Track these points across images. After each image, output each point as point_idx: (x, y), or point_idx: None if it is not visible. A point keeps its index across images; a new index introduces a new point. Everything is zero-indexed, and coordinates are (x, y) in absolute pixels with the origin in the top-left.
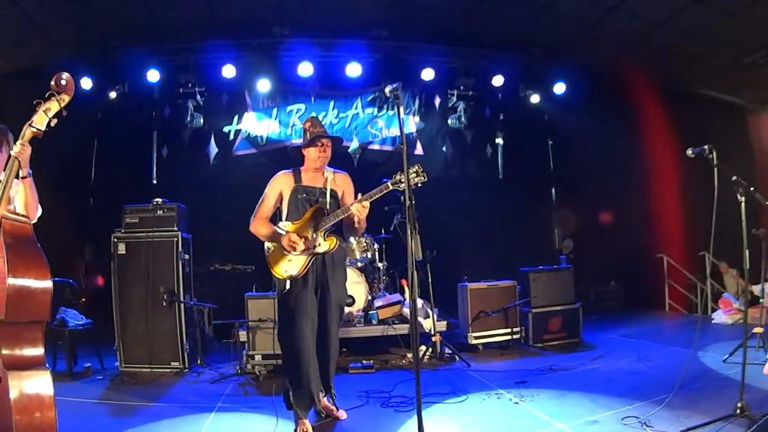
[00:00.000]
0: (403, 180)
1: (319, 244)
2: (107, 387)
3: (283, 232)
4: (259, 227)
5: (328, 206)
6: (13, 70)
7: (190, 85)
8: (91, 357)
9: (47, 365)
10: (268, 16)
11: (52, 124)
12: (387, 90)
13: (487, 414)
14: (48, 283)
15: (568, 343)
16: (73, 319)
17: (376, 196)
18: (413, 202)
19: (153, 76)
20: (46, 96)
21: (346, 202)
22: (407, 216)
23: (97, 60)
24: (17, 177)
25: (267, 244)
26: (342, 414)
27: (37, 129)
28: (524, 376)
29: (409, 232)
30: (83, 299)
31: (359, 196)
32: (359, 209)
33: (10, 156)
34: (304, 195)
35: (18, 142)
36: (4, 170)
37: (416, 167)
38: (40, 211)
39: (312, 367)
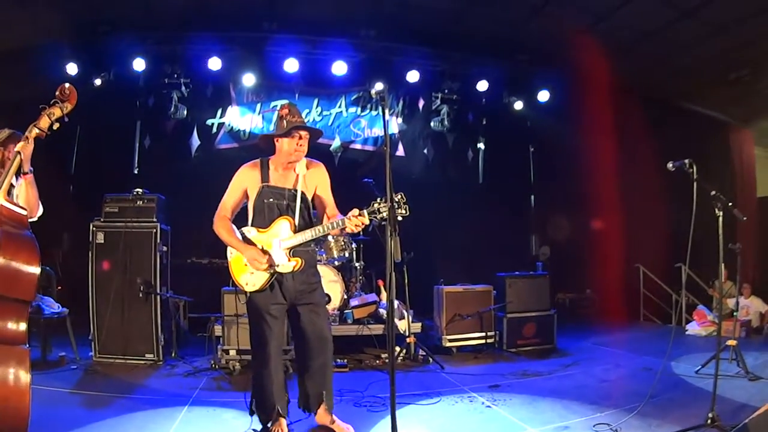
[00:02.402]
0: (381, 210)
1: (283, 264)
2: (81, 377)
3: (245, 240)
4: (221, 230)
5: (297, 213)
6: (2, 50)
7: (175, 75)
8: (65, 346)
9: (27, 346)
10: (257, 11)
11: (55, 128)
12: (373, 92)
13: (459, 417)
14: (36, 268)
15: (542, 349)
16: (48, 307)
17: (346, 228)
18: (394, 203)
19: (139, 64)
20: (51, 103)
21: (320, 198)
22: (388, 218)
23: (84, 46)
24: (18, 174)
25: (230, 248)
26: (347, 428)
27: (41, 130)
28: (497, 380)
29: (389, 234)
30: (59, 287)
31: (337, 218)
32: (356, 226)
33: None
34: (272, 199)
35: (22, 140)
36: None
37: (399, 196)
38: (41, 210)
39: (276, 376)
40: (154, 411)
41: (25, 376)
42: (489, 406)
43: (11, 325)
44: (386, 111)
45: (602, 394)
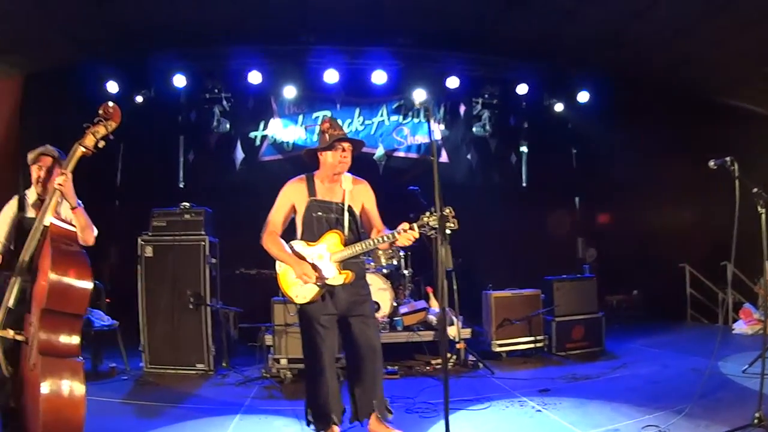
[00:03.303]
0: (431, 224)
1: (333, 277)
2: (132, 387)
3: (295, 254)
4: (270, 245)
5: (346, 226)
6: (38, 70)
7: (216, 90)
8: (115, 357)
9: (81, 358)
10: (293, 23)
11: (100, 146)
12: (418, 102)
13: (510, 421)
14: (87, 283)
15: (590, 351)
16: (98, 319)
17: (393, 241)
18: (443, 212)
19: (179, 81)
20: (95, 121)
21: (367, 215)
22: (438, 226)
23: (124, 64)
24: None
25: (278, 262)
26: None
27: (87, 149)
28: (547, 384)
29: (439, 243)
30: (108, 300)
31: (386, 232)
32: (408, 240)
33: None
34: (320, 213)
35: (61, 175)
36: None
37: (448, 210)
38: (95, 232)
39: (330, 385)
40: (206, 419)
41: (79, 388)
42: (539, 411)
43: (65, 339)
44: (431, 121)
45: (650, 396)
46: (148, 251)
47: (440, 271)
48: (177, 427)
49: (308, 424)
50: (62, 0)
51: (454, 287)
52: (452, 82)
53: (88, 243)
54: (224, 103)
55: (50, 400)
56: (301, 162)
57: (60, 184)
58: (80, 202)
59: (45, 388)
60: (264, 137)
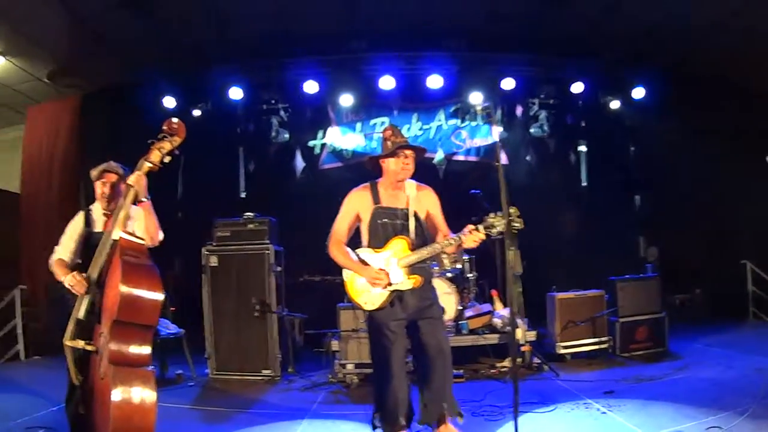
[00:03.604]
0: (496, 224)
1: (402, 282)
2: (199, 393)
3: (361, 261)
4: (336, 253)
5: (412, 232)
6: (95, 90)
7: (273, 101)
8: (181, 364)
9: (151, 367)
10: (347, 32)
11: (166, 161)
12: (479, 108)
13: (575, 424)
14: (158, 295)
15: (654, 352)
16: (164, 328)
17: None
18: (518, 216)
19: (236, 93)
20: (160, 137)
21: (432, 221)
22: (505, 231)
23: (180, 79)
24: (135, 202)
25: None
26: None
27: (153, 164)
28: (612, 386)
29: (507, 247)
30: (172, 309)
31: (451, 235)
32: (473, 242)
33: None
34: (385, 219)
35: (135, 173)
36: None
37: (513, 210)
38: (161, 235)
39: (399, 390)
40: (273, 424)
41: (150, 395)
42: (604, 413)
43: (135, 349)
44: (493, 123)
45: (714, 397)
46: (213, 261)
47: (509, 275)
48: (245, 431)
49: (374, 428)
50: (116, 21)
51: (519, 290)
52: (508, 84)
53: (155, 242)
54: (282, 113)
55: (121, 408)
56: (361, 169)
57: (135, 181)
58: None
59: (116, 396)
60: (323, 145)
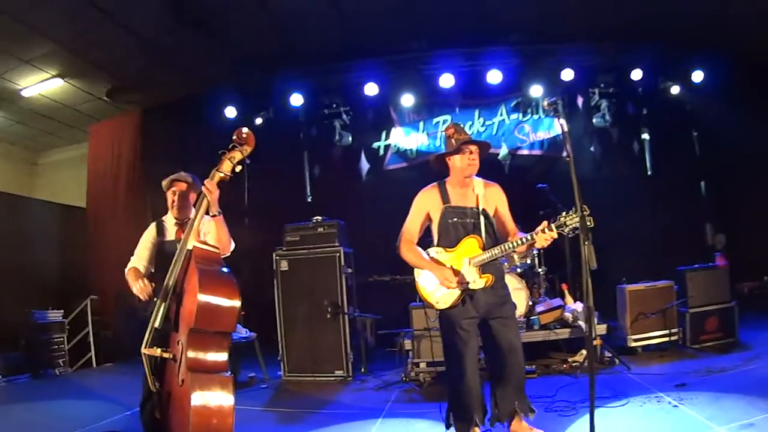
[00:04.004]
0: (568, 223)
1: (474, 281)
2: (272, 395)
3: (431, 259)
4: (407, 254)
5: (483, 231)
6: (157, 104)
7: (334, 105)
8: (253, 367)
9: (229, 373)
10: (405, 32)
11: (237, 170)
12: (545, 103)
13: (647, 418)
14: (235, 302)
15: (724, 343)
16: (236, 332)
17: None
18: (588, 213)
19: (296, 100)
20: (230, 147)
21: (500, 218)
22: (580, 227)
23: (240, 89)
24: (208, 214)
25: (416, 269)
26: None
27: (225, 174)
28: (683, 379)
29: (582, 242)
30: (243, 313)
31: (521, 235)
32: (546, 240)
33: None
34: (455, 219)
35: (207, 183)
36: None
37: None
38: (233, 246)
39: (473, 388)
40: (348, 424)
41: (228, 400)
42: (676, 406)
43: (213, 356)
44: (562, 120)
45: None
46: (284, 265)
47: (585, 270)
48: None
49: (448, 427)
50: (174, 40)
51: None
52: (567, 74)
53: (227, 252)
54: (344, 116)
55: (200, 413)
56: (427, 168)
57: (208, 190)
58: (221, 211)
59: (195, 401)
60: (387, 146)
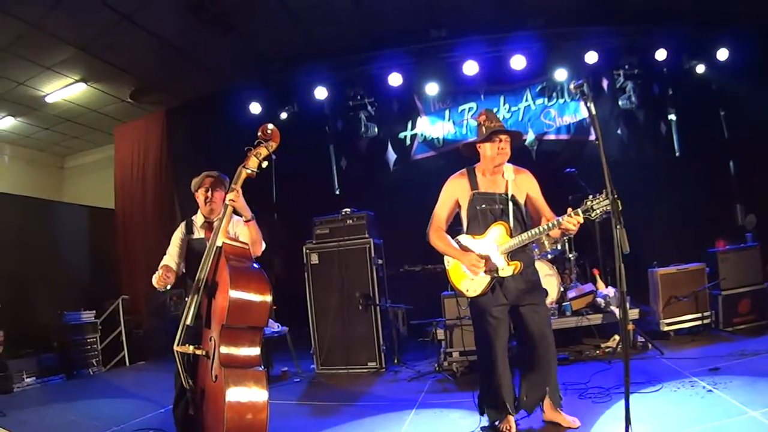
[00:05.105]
0: (595, 207)
1: (502, 268)
2: (306, 389)
3: (461, 248)
4: (436, 241)
5: (511, 217)
6: (180, 103)
7: (359, 97)
8: (286, 361)
9: (262, 367)
10: (425, 20)
11: (264, 166)
12: (572, 86)
13: (681, 403)
14: (267, 297)
15: (757, 325)
16: (268, 327)
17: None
18: (615, 196)
19: (321, 93)
20: (255, 144)
21: (534, 204)
22: (612, 210)
23: (263, 85)
24: (238, 215)
25: (446, 257)
26: (573, 421)
27: (251, 170)
28: (717, 363)
29: (614, 225)
30: (275, 307)
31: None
32: (573, 225)
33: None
34: (484, 205)
35: (231, 191)
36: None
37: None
38: (263, 246)
39: (503, 375)
40: (382, 416)
41: (262, 394)
42: (710, 390)
43: (245, 351)
44: (590, 103)
45: None
46: (314, 259)
47: (617, 254)
48: (355, 424)
49: (482, 414)
50: (196, 39)
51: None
52: (591, 57)
53: (257, 254)
54: (369, 108)
55: (235, 408)
56: (454, 156)
57: (232, 200)
58: (253, 215)
59: (230, 396)
60: (414, 136)
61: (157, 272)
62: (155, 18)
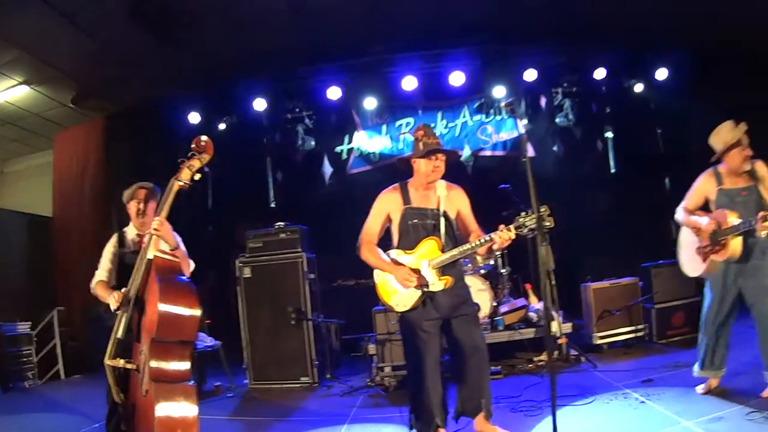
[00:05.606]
0: (527, 224)
1: (433, 283)
2: (239, 404)
3: (390, 260)
4: (368, 255)
5: (443, 232)
6: (121, 110)
7: (297, 109)
8: (219, 376)
9: (192, 382)
10: (365, 35)
11: (196, 179)
12: (503, 104)
13: (614, 415)
14: (196, 311)
15: (691, 337)
16: (201, 341)
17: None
18: (549, 213)
19: (260, 104)
20: (189, 155)
21: (463, 221)
22: (537, 228)
23: (203, 95)
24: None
25: (376, 271)
26: None
27: (184, 183)
28: (650, 374)
29: (539, 243)
30: (208, 321)
31: (483, 234)
32: (505, 241)
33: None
34: (416, 220)
35: (156, 219)
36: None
37: (544, 209)
38: (192, 266)
39: (433, 390)
40: (314, 431)
41: (192, 410)
42: (643, 402)
43: (175, 365)
44: (519, 120)
45: (755, 381)
46: (247, 272)
47: (542, 272)
48: None
49: (411, 429)
50: (136, 43)
51: (552, 282)
52: (530, 75)
53: (186, 275)
54: (307, 121)
55: (164, 424)
56: (390, 171)
57: (156, 229)
58: (179, 240)
59: (159, 411)
60: (350, 150)
61: (111, 296)
62: (99, 22)
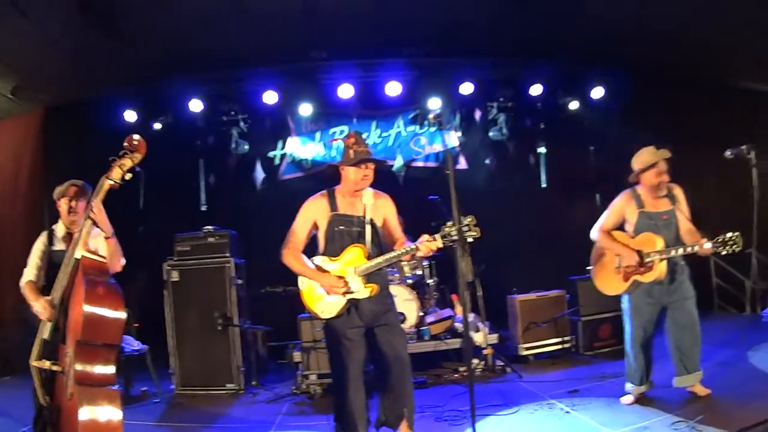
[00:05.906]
0: (453, 234)
1: (358, 291)
2: (164, 410)
3: (316, 268)
4: (292, 261)
5: (368, 239)
6: (57, 105)
7: (233, 112)
8: (146, 381)
9: (117, 387)
10: (305, 41)
11: (127, 178)
12: (431, 116)
13: (538, 425)
14: (121, 314)
15: (618, 349)
16: (128, 345)
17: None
18: (467, 225)
19: (196, 105)
20: (120, 154)
21: (388, 229)
22: (458, 239)
23: (140, 93)
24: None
25: (301, 278)
26: None
27: (115, 181)
28: (576, 385)
29: (459, 255)
30: (136, 325)
31: (408, 241)
32: (430, 249)
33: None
34: (342, 227)
35: (93, 204)
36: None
37: (470, 218)
38: (123, 262)
39: (356, 397)
40: None
41: (116, 414)
42: (568, 412)
43: (100, 369)
44: (446, 133)
45: (678, 391)
46: (174, 276)
47: (461, 283)
48: None
49: None
50: (74, 35)
51: (479, 293)
52: (466, 88)
53: (116, 270)
54: (241, 124)
55: (88, 428)
56: (321, 178)
57: (93, 212)
58: (113, 231)
59: (83, 416)
60: (283, 156)
61: (38, 302)
62: (43, 11)
